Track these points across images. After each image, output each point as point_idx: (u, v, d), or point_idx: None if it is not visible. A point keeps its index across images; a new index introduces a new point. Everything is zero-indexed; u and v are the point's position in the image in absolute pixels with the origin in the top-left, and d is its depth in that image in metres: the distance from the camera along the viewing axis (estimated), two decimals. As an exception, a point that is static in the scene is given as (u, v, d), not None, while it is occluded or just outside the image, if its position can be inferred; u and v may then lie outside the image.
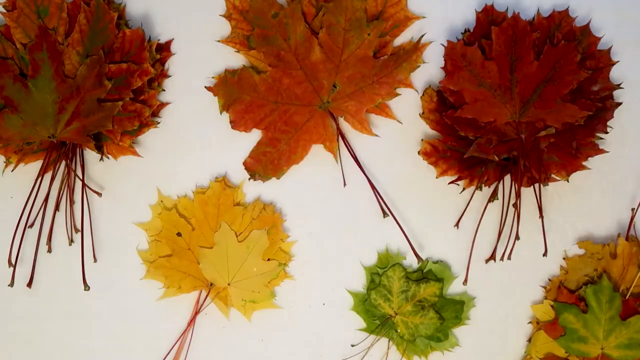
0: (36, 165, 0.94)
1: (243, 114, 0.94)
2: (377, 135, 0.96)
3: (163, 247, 0.94)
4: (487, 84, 0.91)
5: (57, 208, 0.93)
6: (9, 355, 0.95)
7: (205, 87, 0.95)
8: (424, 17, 0.96)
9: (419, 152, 0.94)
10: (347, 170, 0.95)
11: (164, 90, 0.96)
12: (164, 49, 0.96)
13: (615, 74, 0.93)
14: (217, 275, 0.93)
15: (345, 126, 0.96)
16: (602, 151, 0.92)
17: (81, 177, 0.93)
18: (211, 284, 0.93)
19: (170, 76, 0.97)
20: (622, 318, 0.90)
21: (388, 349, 0.94)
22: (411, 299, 0.93)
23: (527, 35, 0.90)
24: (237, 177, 0.96)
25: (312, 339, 0.95)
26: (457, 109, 0.90)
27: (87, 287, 0.92)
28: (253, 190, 0.96)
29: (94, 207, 0.95)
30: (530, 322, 0.94)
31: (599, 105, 0.91)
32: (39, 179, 0.92)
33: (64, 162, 0.93)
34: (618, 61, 0.93)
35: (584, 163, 0.92)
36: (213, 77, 0.95)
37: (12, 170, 0.94)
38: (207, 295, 0.94)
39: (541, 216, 0.92)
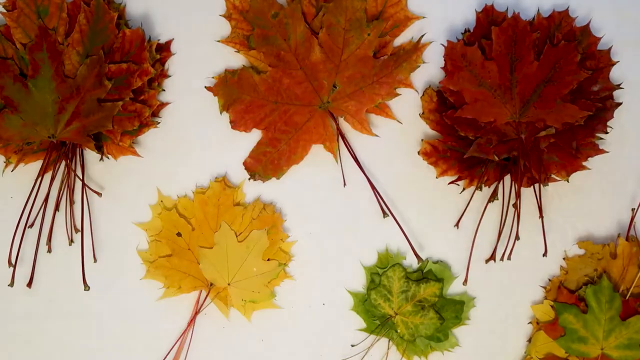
0: (36, 165, 0.93)
1: (243, 114, 0.94)
2: (377, 135, 0.96)
3: (163, 247, 0.94)
4: (487, 84, 0.90)
5: (57, 208, 0.93)
6: (9, 355, 0.94)
7: (205, 87, 0.95)
8: (424, 17, 0.96)
9: (419, 152, 0.94)
10: (347, 170, 0.95)
11: (164, 90, 0.96)
12: (164, 49, 0.96)
13: (615, 74, 0.93)
14: (217, 275, 0.93)
15: (345, 126, 0.96)
16: (602, 151, 0.92)
17: (81, 177, 0.93)
18: (211, 284, 0.93)
19: (170, 76, 0.97)
20: (622, 318, 0.90)
21: (388, 349, 0.94)
22: (411, 299, 0.93)
23: (527, 36, 0.90)
24: (237, 177, 0.96)
25: (312, 339, 0.95)
26: (457, 109, 0.90)
27: (87, 287, 0.92)
28: (253, 190, 0.96)
29: (94, 207, 0.95)
30: (530, 322, 0.94)
31: (599, 105, 0.91)
32: (39, 179, 0.92)
33: (64, 162, 0.93)
34: (618, 61, 0.93)
35: (584, 163, 0.92)
36: (213, 77, 0.95)
37: (12, 170, 0.94)
38: (207, 295, 0.94)
39: (541, 216, 0.92)
